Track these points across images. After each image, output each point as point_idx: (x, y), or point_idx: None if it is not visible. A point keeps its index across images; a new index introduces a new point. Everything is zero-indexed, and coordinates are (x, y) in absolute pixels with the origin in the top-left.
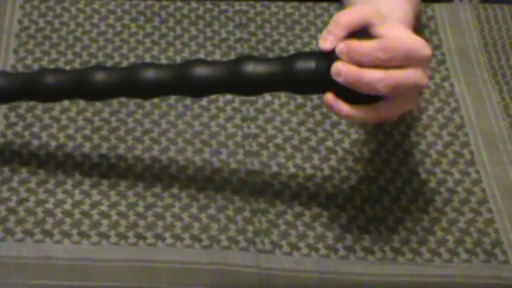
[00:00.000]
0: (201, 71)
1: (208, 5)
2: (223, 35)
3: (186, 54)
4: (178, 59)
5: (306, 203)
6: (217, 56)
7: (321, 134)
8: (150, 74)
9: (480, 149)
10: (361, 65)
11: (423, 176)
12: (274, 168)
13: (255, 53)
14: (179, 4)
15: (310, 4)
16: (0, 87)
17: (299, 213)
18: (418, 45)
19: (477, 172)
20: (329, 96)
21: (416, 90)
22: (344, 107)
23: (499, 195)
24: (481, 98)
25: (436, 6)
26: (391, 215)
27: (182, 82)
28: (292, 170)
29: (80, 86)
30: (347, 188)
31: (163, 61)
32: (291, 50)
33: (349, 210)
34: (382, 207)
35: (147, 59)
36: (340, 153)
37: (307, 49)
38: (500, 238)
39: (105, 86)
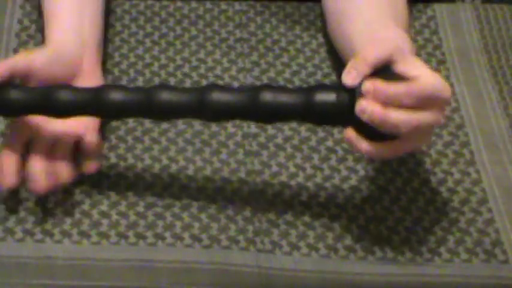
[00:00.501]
0: (220, 96)
1: (208, 5)
2: (223, 35)
3: (186, 54)
4: (178, 59)
5: (306, 203)
6: (217, 56)
7: (321, 134)
8: (165, 96)
9: (480, 148)
10: (384, 103)
11: (423, 176)
12: (274, 168)
13: (255, 53)
14: (179, 4)
15: (310, 4)
16: (16, 101)
17: (299, 213)
18: (441, 88)
19: (477, 172)
20: (350, 133)
21: (434, 128)
22: (364, 145)
23: (499, 195)
24: (481, 97)
25: (436, 6)
26: (391, 215)
27: (200, 107)
28: (292, 170)
29: (147, 105)
30: (347, 188)
31: (163, 61)
32: (291, 49)
33: (349, 210)
34: (382, 207)
35: (147, 59)
36: (340, 153)
37: (306, 50)
38: (500, 238)
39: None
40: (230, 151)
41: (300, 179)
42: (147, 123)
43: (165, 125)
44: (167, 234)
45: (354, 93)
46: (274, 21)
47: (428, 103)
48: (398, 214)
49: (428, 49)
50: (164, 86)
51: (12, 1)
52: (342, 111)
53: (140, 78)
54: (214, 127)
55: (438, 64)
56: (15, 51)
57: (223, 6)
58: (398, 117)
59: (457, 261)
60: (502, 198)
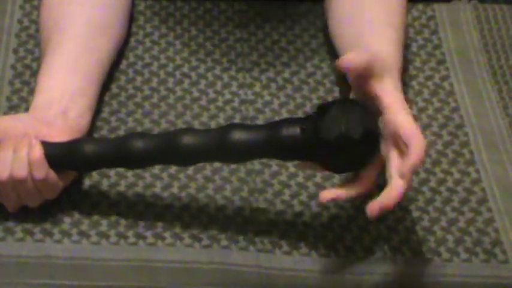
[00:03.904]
0: (188, 140)
1: (208, 5)
2: (223, 35)
3: (185, 54)
4: (178, 59)
5: (306, 202)
6: (216, 56)
7: None
8: (139, 144)
9: (480, 148)
10: None
11: (423, 176)
12: (274, 168)
13: (254, 53)
14: (179, 4)
15: (310, 4)
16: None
17: (299, 213)
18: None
19: (477, 172)
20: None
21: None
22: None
23: (498, 195)
24: (480, 97)
25: (436, 6)
26: (391, 214)
27: (171, 152)
28: (292, 170)
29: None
30: None
31: (163, 61)
32: (291, 49)
33: (349, 210)
34: None
35: (147, 59)
36: None
37: (306, 50)
38: (500, 237)
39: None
40: None
41: (300, 179)
42: (147, 123)
43: (164, 126)
44: (167, 234)
45: (315, 125)
46: (274, 21)
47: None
48: (398, 214)
49: (428, 49)
50: (137, 134)
51: (12, 1)
52: (307, 144)
53: (139, 78)
54: (214, 127)
55: (438, 64)
56: (15, 51)
57: (223, 6)
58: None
59: (456, 260)
60: (501, 198)
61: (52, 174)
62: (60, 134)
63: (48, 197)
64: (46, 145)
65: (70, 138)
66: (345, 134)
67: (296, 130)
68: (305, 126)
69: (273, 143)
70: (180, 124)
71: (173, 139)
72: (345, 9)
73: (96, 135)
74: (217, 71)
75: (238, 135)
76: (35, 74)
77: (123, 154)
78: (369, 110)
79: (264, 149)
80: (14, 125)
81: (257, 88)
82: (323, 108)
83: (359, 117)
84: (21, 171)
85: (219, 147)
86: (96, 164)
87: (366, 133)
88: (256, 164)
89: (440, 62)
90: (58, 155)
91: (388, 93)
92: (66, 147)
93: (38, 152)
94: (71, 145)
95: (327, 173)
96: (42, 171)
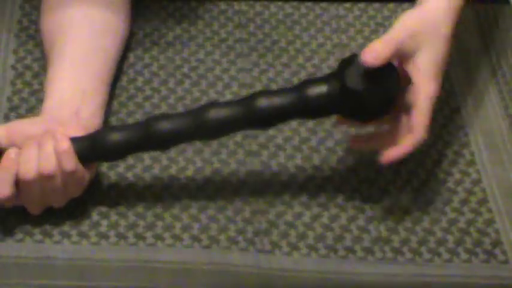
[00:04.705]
0: (218, 113)
1: (208, 5)
2: (223, 35)
3: (185, 54)
4: (177, 59)
5: (306, 202)
6: (216, 56)
7: (321, 134)
8: (165, 124)
9: (480, 149)
10: None
11: (423, 176)
12: (274, 168)
13: (254, 53)
14: (179, 4)
15: (310, 4)
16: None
17: (299, 213)
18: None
19: (477, 172)
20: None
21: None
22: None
23: (499, 195)
24: (481, 97)
25: None
26: (391, 215)
27: (199, 127)
28: (292, 170)
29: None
30: (347, 188)
31: (162, 61)
32: (291, 49)
33: (349, 210)
34: (382, 207)
35: (147, 59)
36: (340, 153)
37: (306, 50)
38: (500, 238)
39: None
40: (230, 151)
41: (300, 179)
42: None
43: None
44: (167, 235)
45: (341, 81)
46: (274, 21)
47: None
48: (398, 214)
49: None
50: (159, 116)
51: (12, 1)
52: (334, 101)
53: (140, 79)
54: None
55: None
56: (15, 51)
57: (223, 6)
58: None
59: (456, 261)
60: (502, 198)
61: (80, 166)
62: (75, 133)
63: (74, 193)
64: (70, 139)
65: None
66: (371, 83)
67: (322, 89)
68: (331, 82)
69: (301, 104)
70: None
71: (199, 114)
72: None
73: None
74: (217, 72)
75: (266, 102)
76: (36, 74)
77: (151, 136)
78: (398, 73)
79: (293, 112)
80: (30, 127)
81: (257, 88)
82: (345, 61)
83: (386, 72)
84: (50, 166)
85: (248, 117)
86: (125, 150)
87: (387, 91)
88: (256, 165)
89: None
90: (84, 147)
91: (417, 70)
92: (91, 138)
93: (65, 143)
94: (95, 136)
95: (327, 173)
96: (72, 162)
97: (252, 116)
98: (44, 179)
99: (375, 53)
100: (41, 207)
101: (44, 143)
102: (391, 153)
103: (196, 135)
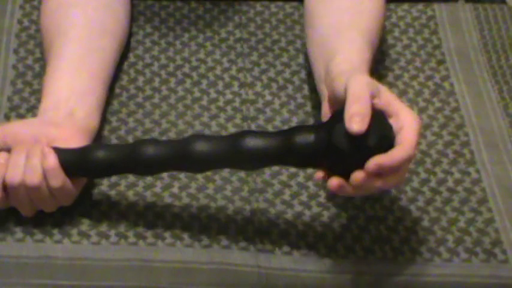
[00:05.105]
0: (202, 146)
1: (208, 5)
2: (223, 35)
3: (186, 54)
4: (178, 59)
5: (306, 202)
6: (217, 56)
7: None
8: (151, 151)
9: (480, 148)
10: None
11: (423, 176)
12: (275, 168)
13: (255, 53)
14: (179, 4)
15: None
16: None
17: (299, 213)
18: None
19: (477, 171)
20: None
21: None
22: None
23: (499, 195)
24: (480, 97)
25: (436, 6)
26: (391, 214)
27: (184, 158)
28: (292, 169)
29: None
30: None
31: (163, 61)
32: (291, 50)
33: (349, 210)
34: (382, 207)
35: (147, 59)
36: None
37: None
38: (500, 237)
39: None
40: None
41: (300, 179)
42: (148, 123)
43: (165, 126)
44: (167, 234)
45: (330, 133)
46: (274, 21)
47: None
48: (398, 214)
49: (428, 49)
50: (147, 140)
51: (12, 2)
52: (319, 152)
53: (140, 78)
54: (215, 127)
55: (438, 64)
56: (16, 51)
57: (223, 6)
58: (384, 185)
59: (456, 260)
60: (502, 198)
61: (67, 181)
62: (69, 135)
63: (63, 203)
64: (58, 151)
65: (80, 139)
66: (360, 142)
67: (310, 137)
68: (319, 133)
69: (287, 150)
70: (181, 124)
71: (186, 146)
72: (314, 13)
73: (96, 135)
74: (218, 71)
75: (252, 143)
76: (36, 74)
77: (136, 161)
78: (383, 114)
79: (277, 156)
80: (23, 130)
81: (258, 88)
82: (337, 115)
83: (373, 123)
84: (34, 179)
85: (233, 154)
86: (108, 170)
87: (381, 139)
88: None
89: (440, 62)
90: (71, 161)
91: (389, 104)
92: (79, 153)
93: (52, 160)
94: (83, 151)
95: None
96: (59, 179)
97: (236, 155)
98: (29, 189)
99: (357, 116)
100: (32, 211)
101: (32, 155)
102: (381, 159)
103: (181, 167)
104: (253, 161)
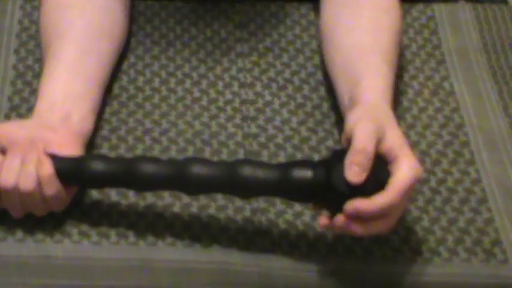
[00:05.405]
0: (199, 170)
1: (208, 5)
2: (223, 35)
3: (186, 54)
4: (178, 59)
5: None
6: (217, 56)
7: (321, 134)
8: (148, 169)
9: (480, 148)
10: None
11: (423, 175)
12: None
13: (255, 53)
14: (179, 4)
15: (310, 4)
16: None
17: (299, 213)
18: (417, 176)
19: (477, 171)
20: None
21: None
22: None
23: (498, 195)
24: (480, 97)
25: (436, 6)
26: None
27: (180, 180)
28: None
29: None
30: None
31: (163, 61)
32: (291, 50)
33: None
34: None
35: (147, 59)
36: None
37: (306, 50)
38: (500, 237)
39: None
40: (230, 151)
41: None
42: (148, 123)
43: (165, 125)
44: (167, 234)
45: (328, 172)
46: (274, 21)
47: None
48: None
49: (428, 49)
50: (144, 158)
51: (13, 2)
52: (318, 187)
53: (140, 78)
54: (214, 127)
55: (438, 64)
56: (16, 51)
57: (223, 6)
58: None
59: (456, 260)
60: (501, 198)
61: (61, 189)
62: (65, 139)
63: (55, 209)
64: (54, 159)
65: (74, 143)
66: (356, 186)
67: (308, 173)
68: (317, 170)
69: (283, 183)
70: (181, 124)
71: (183, 168)
72: (335, 34)
73: (97, 135)
74: (218, 71)
75: (248, 172)
76: (37, 75)
77: (132, 177)
78: (380, 158)
79: (273, 188)
80: (18, 131)
81: (258, 88)
82: (337, 155)
83: (372, 169)
84: (28, 185)
85: (229, 182)
86: (103, 183)
87: (377, 183)
88: None
89: (440, 62)
90: (67, 170)
91: (391, 150)
92: (75, 162)
93: (48, 168)
94: (79, 161)
95: None
96: (54, 187)
97: (233, 182)
98: (22, 194)
99: (358, 167)
100: (22, 213)
101: (28, 161)
102: (358, 203)
103: (176, 188)
104: (249, 190)
